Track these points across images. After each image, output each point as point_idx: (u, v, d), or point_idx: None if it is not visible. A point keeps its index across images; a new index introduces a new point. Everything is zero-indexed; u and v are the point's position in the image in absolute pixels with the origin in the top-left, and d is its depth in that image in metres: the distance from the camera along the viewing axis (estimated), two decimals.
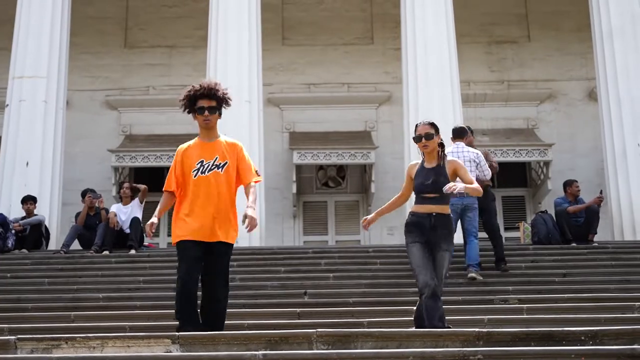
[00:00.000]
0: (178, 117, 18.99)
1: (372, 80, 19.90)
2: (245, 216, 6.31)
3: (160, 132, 19.16)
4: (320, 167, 19.56)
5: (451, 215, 6.99)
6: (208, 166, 6.45)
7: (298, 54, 20.04)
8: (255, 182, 6.60)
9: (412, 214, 6.88)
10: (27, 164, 15.01)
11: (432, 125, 6.92)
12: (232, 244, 6.59)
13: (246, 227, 6.30)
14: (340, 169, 19.62)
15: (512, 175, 19.53)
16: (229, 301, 6.64)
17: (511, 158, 18.51)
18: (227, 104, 6.64)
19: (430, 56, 15.49)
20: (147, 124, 19.56)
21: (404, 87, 15.84)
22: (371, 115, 19.80)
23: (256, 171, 6.67)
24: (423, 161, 6.96)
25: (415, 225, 6.79)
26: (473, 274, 10.65)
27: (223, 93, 6.58)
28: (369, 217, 7.18)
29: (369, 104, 19.87)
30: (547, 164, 18.52)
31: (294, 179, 18.59)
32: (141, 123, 19.62)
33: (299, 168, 18.82)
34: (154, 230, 6.46)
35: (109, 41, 20.11)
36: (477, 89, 19.65)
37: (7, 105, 15.55)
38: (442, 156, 6.88)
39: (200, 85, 6.55)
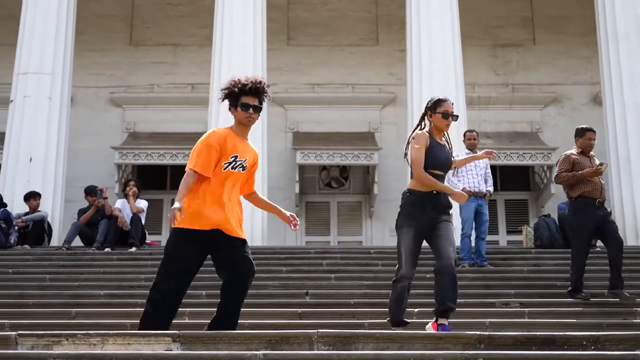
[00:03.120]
0: (182, 115, 19.21)
1: (376, 82, 19.90)
2: (292, 217, 6.38)
3: (164, 130, 19.18)
4: (324, 168, 19.55)
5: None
6: (240, 163, 6.25)
7: (303, 54, 20.04)
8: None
9: (412, 192, 6.70)
10: (31, 160, 15.03)
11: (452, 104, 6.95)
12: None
13: (294, 226, 6.34)
14: (344, 169, 19.62)
15: (515, 178, 19.52)
16: None
17: (514, 161, 18.51)
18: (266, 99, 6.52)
19: (434, 58, 15.49)
20: (151, 121, 19.58)
21: (408, 89, 15.84)
22: (375, 117, 19.80)
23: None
24: (431, 136, 6.80)
25: (416, 206, 6.64)
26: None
27: (268, 94, 6.43)
28: None
29: (373, 105, 19.86)
30: (550, 167, 18.49)
31: (297, 179, 18.58)
32: (145, 121, 19.64)
33: (302, 168, 18.81)
34: (181, 216, 5.94)
35: (114, 39, 20.13)
36: (481, 91, 19.64)
37: (12, 101, 15.58)
38: (448, 138, 6.90)
39: (248, 81, 6.35)
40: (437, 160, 6.70)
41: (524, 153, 18.47)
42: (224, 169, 6.21)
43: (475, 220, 11.92)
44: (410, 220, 6.67)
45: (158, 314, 6.15)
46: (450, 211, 6.78)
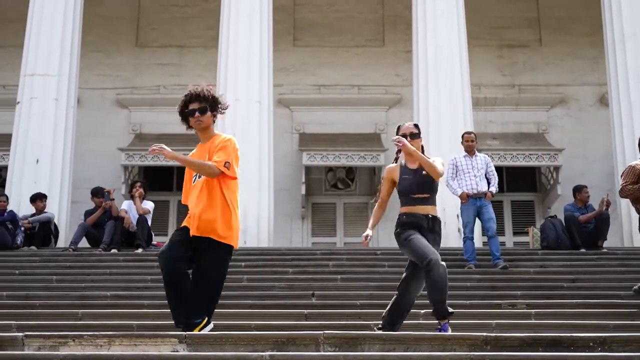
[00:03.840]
0: None
1: (382, 83, 19.88)
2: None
3: (170, 132, 19.08)
4: (330, 169, 19.55)
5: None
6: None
7: (309, 55, 20.04)
8: (217, 166, 6.31)
9: (407, 214, 6.85)
10: (37, 161, 15.06)
11: (416, 126, 7.08)
12: (222, 244, 6.35)
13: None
14: (350, 170, 19.61)
15: (521, 179, 19.49)
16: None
17: (521, 162, 18.48)
18: (218, 104, 6.58)
19: (441, 59, 15.46)
20: (157, 123, 19.57)
21: (414, 90, 15.82)
22: (381, 118, 19.79)
23: (226, 163, 6.35)
24: (402, 163, 7.01)
25: (413, 225, 6.79)
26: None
27: (210, 95, 6.55)
28: (367, 234, 6.89)
29: (379, 106, 19.85)
30: (557, 169, 18.48)
31: (303, 180, 18.57)
32: (151, 122, 19.64)
33: (308, 169, 18.81)
34: None
35: (121, 40, 20.16)
36: (487, 92, 19.60)
37: (19, 102, 15.61)
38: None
39: (189, 91, 6.60)
40: (408, 187, 6.89)
41: (530, 154, 18.45)
42: (193, 182, 6.54)
43: (480, 221, 11.95)
44: (410, 229, 6.79)
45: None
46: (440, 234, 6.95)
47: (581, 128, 19.61)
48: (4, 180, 15.62)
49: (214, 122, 6.61)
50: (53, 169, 15.15)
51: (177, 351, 5.76)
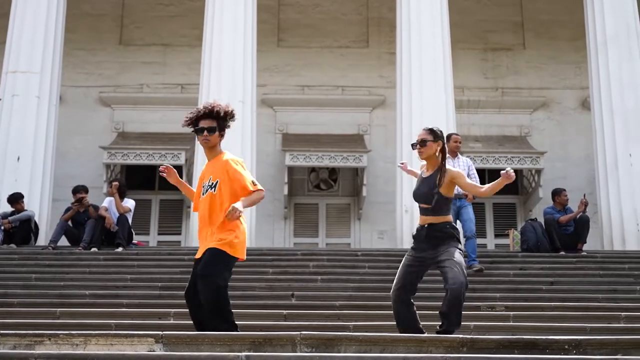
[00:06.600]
0: (171, 116, 19.14)
1: (366, 84, 19.90)
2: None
3: (153, 130, 19.13)
4: (312, 170, 19.54)
5: (449, 224, 6.59)
6: (206, 187, 6.50)
7: (293, 56, 20.04)
8: (254, 191, 6.43)
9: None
10: (19, 159, 14.97)
11: (431, 131, 6.75)
12: (217, 249, 6.27)
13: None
14: (332, 171, 19.61)
15: None
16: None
17: (503, 165, 18.48)
18: (227, 122, 6.60)
19: (424, 61, 15.50)
20: (140, 121, 19.53)
21: (398, 92, 15.85)
22: (365, 119, 19.81)
23: (252, 182, 6.47)
24: (425, 170, 6.85)
25: (415, 238, 6.74)
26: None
27: (224, 111, 6.55)
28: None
29: (362, 108, 19.87)
30: (538, 172, 18.54)
31: (286, 180, 18.56)
32: (134, 120, 19.58)
33: (291, 170, 18.80)
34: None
35: (104, 38, 20.08)
36: (471, 95, 19.67)
37: (0, 99, 15.50)
38: (440, 165, 6.65)
39: (202, 107, 6.61)
40: (414, 194, 6.79)
41: (512, 157, 18.50)
42: (200, 199, 6.54)
43: (459, 221, 11.89)
44: (410, 249, 6.74)
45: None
46: (450, 239, 6.54)
47: (563, 131, 19.72)
48: None
49: (221, 140, 6.60)
50: (34, 167, 15.07)
51: (154, 351, 5.74)
